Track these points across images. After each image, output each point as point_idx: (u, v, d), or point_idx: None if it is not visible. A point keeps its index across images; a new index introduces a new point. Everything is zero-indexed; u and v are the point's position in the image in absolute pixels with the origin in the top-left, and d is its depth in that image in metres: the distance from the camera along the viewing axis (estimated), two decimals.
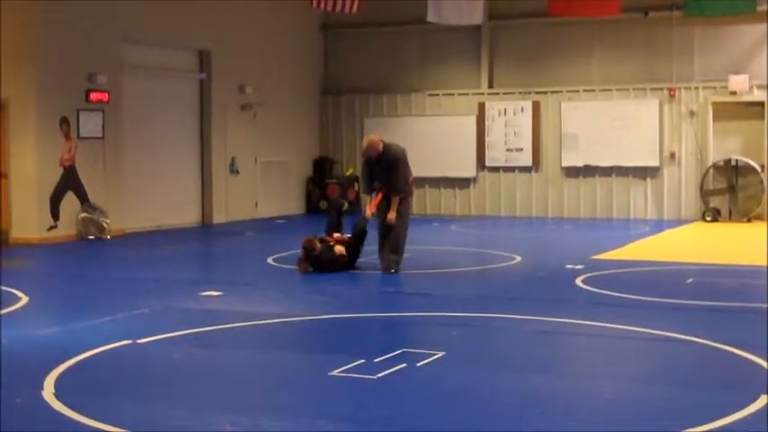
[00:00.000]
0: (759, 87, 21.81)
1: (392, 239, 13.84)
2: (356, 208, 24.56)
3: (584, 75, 23.42)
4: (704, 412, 6.64)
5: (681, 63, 22.62)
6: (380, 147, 13.92)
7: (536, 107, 23.61)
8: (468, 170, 24.10)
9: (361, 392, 7.34)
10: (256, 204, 23.50)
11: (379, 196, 14.05)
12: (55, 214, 18.35)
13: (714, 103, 22.28)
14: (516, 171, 23.88)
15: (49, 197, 18.28)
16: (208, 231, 21.27)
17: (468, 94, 24.27)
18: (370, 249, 14.33)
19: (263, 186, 23.68)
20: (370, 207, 14.09)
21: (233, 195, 22.70)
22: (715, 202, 22.14)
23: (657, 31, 22.75)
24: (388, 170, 13.81)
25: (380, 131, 23.49)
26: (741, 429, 6.33)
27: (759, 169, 21.58)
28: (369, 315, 10.68)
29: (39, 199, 18.13)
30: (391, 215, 13.71)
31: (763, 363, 8.01)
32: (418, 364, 8.04)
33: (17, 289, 12.10)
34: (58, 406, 6.88)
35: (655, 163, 22.64)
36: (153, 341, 9.15)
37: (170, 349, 8.94)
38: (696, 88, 22.42)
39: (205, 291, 12.10)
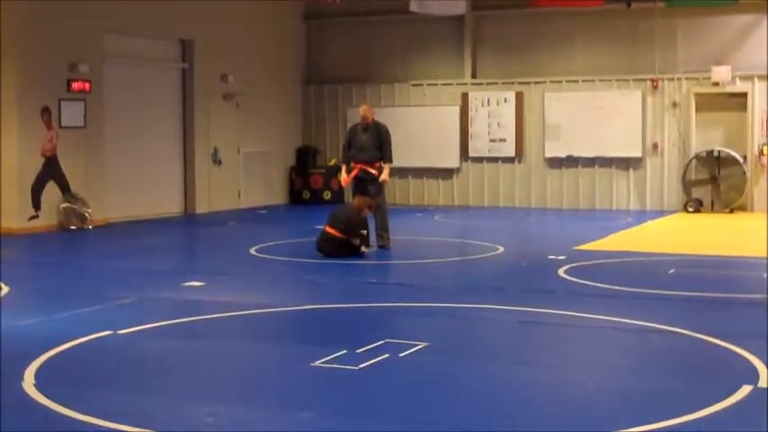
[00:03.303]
0: (742, 78, 21.84)
1: (380, 219, 15.01)
2: (339, 197, 24.59)
3: (568, 65, 23.41)
4: (687, 402, 6.65)
5: (664, 54, 22.63)
6: (372, 117, 15.35)
7: (519, 97, 23.60)
8: (452, 160, 24.08)
9: (344, 383, 7.32)
10: (239, 194, 23.43)
11: (353, 173, 15.12)
12: (36, 204, 18.25)
13: (697, 94, 22.30)
14: (499, 161, 23.87)
15: (30, 187, 18.19)
16: (190, 221, 21.21)
17: (451, 84, 24.24)
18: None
19: (245, 176, 23.61)
20: (345, 179, 15.35)
21: (216, 185, 22.63)
22: (697, 192, 22.18)
23: (640, 21, 22.74)
24: (377, 139, 15.10)
25: None
26: (723, 419, 6.35)
27: (741, 160, 21.63)
28: (351, 305, 10.67)
29: (20, 189, 18.03)
30: (385, 176, 15.11)
31: (744, 353, 8.03)
32: (401, 355, 8.03)
33: None
34: (38, 397, 6.85)
35: (637, 154, 22.66)
36: (134, 332, 9.12)
37: (151, 340, 8.91)
38: (679, 79, 22.44)
39: (187, 281, 12.06)
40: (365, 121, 15.28)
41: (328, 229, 14.39)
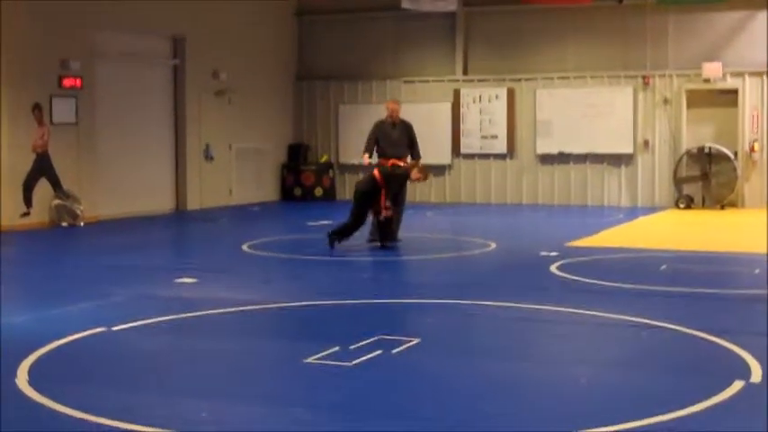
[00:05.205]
0: (733, 75, 21.91)
1: (396, 215, 15.02)
2: (330, 193, 24.60)
3: (559, 62, 23.44)
4: (678, 398, 6.67)
5: (655, 50, 22.68)
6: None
7: (510, 94, 23.63)
8: (444, 157, 24.08)
9: (337, 379, 7.33)
10: (231, 191, 23.42)
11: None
12: (28, 201, 18.23)
13: (688, 91, 22.36)
14: (491, 158, 23.90)
15: (21, 184, 18.16)
16: (182, 218, 21.20)
17: (443, 81, 24.25)
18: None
19: (237, 173, 23.60)
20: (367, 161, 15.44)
21: (207, 182, 22.61)
22: (688, 189, 22.23)
23: (632, 18, 22.79)
24: (408, 136, 15.53)
25: (356, 118, 23.71)
26: (716, 415, 6.37)
27: (732, 156, 21.68)
28: (344, 302, 10.67)
29: (11, 186, 17.99)
30: (419, 172, 15.17)
31: (736, 348, 8.06)
32: (394, 351, 8.04)
33: None
34: (32, 393, 6.85)
35: (629, 150, 22.71)
36: (127, 328, 9.11)
37: (144, 336, 8.91)
38: (670, 76, 22.49)
39: (180, 278, 12.05)
40: (394, 118, 15.59)
41: (375, 172, 14.75)
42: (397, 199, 14.92)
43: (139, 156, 21.02)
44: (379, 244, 14.85)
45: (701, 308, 10.31)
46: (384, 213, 14.59)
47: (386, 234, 14.82)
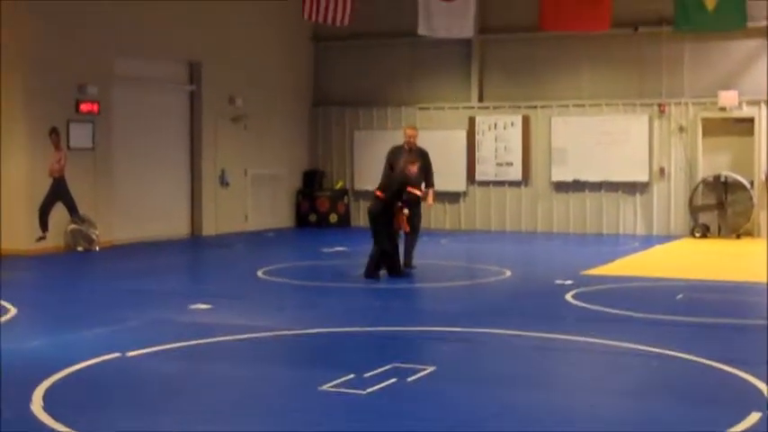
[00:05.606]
0: (749, 103, 21.86)
1: (412, 240, 15.12)
2: (345, 220, 24.61)
3: (574, 89, 23.44)
4: (696, 429, 6.63)
5: (670, 78, 22.65)
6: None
7: (526, 121, 23.63)
8: (459, 184, 24.07)
9: (352, 407, 7.31)
10: (246, 217, 23.44)
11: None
12: (44, 225, 18.28)
13: (704, 119, 22.31)
14: (506, 185, 23.87)
15: (37, 208, 18.21)
16: (197, 244, 21.22)
17: (458, 107, 24.27)
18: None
19: (252, 199, 23.62)
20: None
21: (222, 207, 22.64)
22: (704, 218, 22.16)
23: (647, 46, 22.79)
24: (423, 163, 15.38)
25: (371, 144, 23.74)
26: None
27: (748, 185, 21.61)
28: (359, 329, 10.66)
29: (28, 210, 18.06)
30: (430, 200, 15.62)
31: (753, 379, 8.01)
32: (409, 379, 8.02)
33: (5, 300, 12.04)
34: (46, 419, 6.85)
35: (644, 178, 22.66)
36: (142, 354, 9.11)
37: (159, 362, 8.91)
38: (686, 104, 22.46)
39: (194, 303, 12.05)
40: (411, 144, 15.57)
41: (376, 192, 14.71)
42: (410, 209, 14.90)
43: (155, 181, 21.07)
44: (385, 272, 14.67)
45: (717, 338, 10.26)
46: (404, 225, 14.62)
47: (391, 266, 14.63)
